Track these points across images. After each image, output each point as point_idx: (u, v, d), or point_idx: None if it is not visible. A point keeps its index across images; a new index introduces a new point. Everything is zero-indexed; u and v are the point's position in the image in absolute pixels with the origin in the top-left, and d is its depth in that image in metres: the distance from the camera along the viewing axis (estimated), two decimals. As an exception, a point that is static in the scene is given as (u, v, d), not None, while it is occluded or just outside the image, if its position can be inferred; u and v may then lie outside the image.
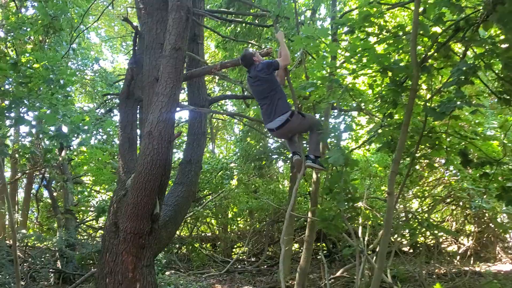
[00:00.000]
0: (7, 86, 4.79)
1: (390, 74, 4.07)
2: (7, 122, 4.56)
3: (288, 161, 9.34)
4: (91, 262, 7.87)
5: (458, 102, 3.73)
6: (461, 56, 4.14)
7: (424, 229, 5.56)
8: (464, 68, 3.68)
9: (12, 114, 4.53)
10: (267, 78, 4.16)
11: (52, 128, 5.44)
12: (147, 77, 4.66)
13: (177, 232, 8.50)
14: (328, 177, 4.34)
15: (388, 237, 3.98)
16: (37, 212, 10.04)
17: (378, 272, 3.89)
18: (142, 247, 4.19)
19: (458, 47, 4.63)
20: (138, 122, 5.29)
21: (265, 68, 4.17)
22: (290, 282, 6.79)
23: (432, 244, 9.15)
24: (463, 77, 3.70)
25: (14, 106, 4.26)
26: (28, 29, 5.14)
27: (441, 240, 9.51)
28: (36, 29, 5.41)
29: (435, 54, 4.07)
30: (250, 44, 6.75)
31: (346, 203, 3.95)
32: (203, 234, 10.81)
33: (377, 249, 4.88)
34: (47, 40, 6.63)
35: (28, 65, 4.62)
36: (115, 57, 22.96)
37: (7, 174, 9.80)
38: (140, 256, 4.19)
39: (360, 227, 5.28)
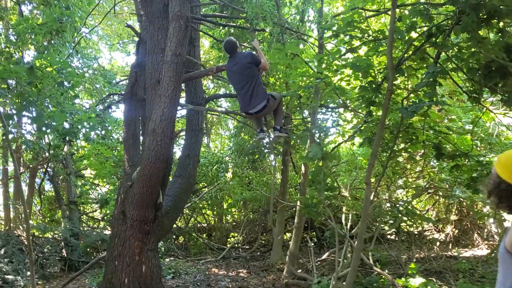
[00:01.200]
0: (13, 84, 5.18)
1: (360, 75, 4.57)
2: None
3: (280, 155, 9.81)
4: (92, 250, 8.33)
5: (428, 102, 4.25)
6: (434, 59, 4.64)
7: (404, 217, 6.08)
8: (433, 71, 4.19)
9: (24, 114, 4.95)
10: (249, 66, 4.60)
11: (53, 123, 5.84)
12: (149, 79, 5.07)
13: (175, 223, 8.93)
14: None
15: (365, 222, 4.50)
16: (39, 204, 10.43)
17: (357, 252, 4.41)
18: (147, 233, 4.66)
19: (431, 52, 5.12)
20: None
21: (250, 57, 4.63)
22: (281, 266, 7.32)
23: (415, 232, 9.74)
24: (432, 79, 4.21)
25: (29, 106, 4.65)
26: (36, 35, 5.50)
27: (423, 228, 10.11)
28: (44, 33, 5.77)
29: (412, 56, 4.57)
30: (242, 47, 7.19)
31: (325, 192, 4.47)
32: (199, 225, 11.26)
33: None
34: (52, 41, 6.97)
35: (37, 67, 5.00)
36: (112, 55, 23.20)
37: (10, 168, 10.18)
38: (145, 241, 4.66)
39: (344, 215, 5.80)
